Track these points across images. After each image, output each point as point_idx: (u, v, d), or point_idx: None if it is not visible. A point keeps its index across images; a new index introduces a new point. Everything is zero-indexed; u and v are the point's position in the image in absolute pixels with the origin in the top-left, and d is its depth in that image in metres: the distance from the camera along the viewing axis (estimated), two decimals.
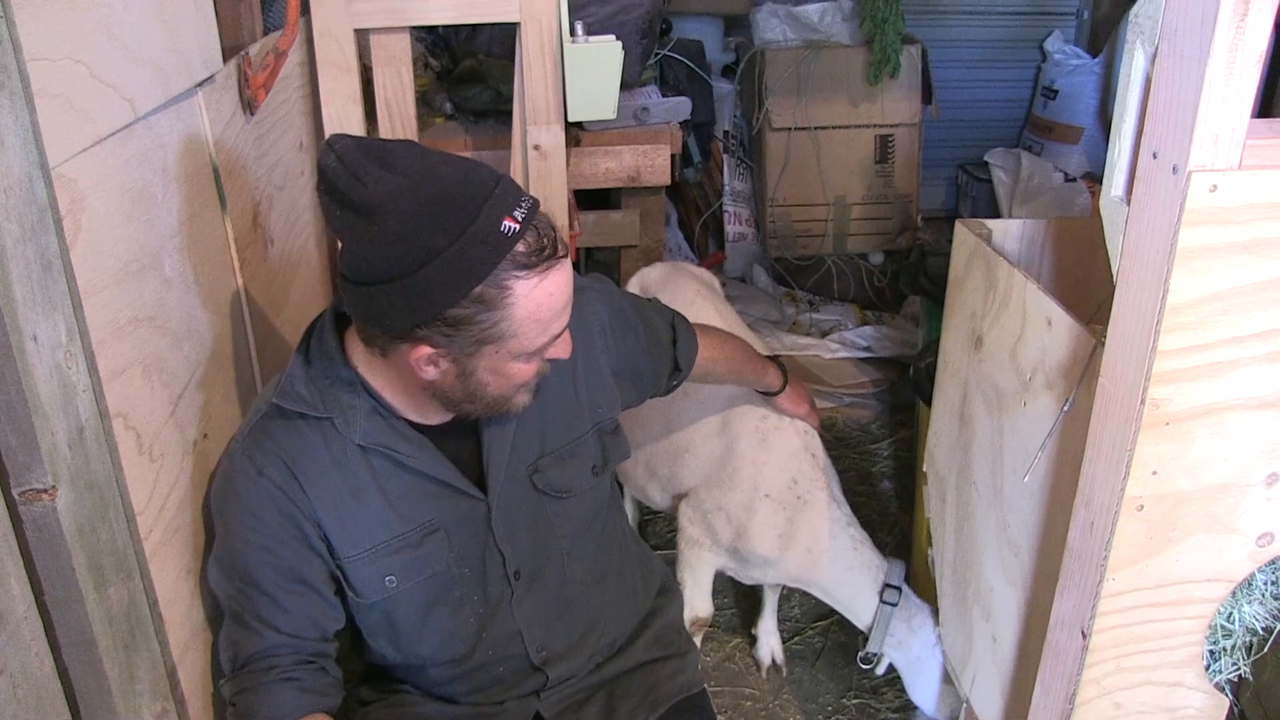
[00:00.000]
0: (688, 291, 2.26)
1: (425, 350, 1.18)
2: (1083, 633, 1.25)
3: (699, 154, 3.12)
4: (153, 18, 1.29)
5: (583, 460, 1.48)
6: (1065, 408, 1.32)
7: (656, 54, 2.78)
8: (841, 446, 3.17)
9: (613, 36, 2.12)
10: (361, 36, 2.10)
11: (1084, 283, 1.66)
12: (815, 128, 3.49)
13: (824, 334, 3.50)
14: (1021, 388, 1.46)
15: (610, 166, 2.70)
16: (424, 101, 2.73)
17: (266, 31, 1.91)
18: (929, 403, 1.92)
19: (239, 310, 1.58)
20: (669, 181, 2.76)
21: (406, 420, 1.34)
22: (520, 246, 1.13)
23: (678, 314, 1.70)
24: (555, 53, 2.12)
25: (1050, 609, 1.34)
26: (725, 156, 3.75)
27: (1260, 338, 1.08)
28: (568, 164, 2.66)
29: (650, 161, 2.71)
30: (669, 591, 1.72)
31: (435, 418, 1.36)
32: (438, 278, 1.10)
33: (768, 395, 2.00)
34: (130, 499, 1.13)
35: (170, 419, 1.30)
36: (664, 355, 1.63)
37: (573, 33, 2.12)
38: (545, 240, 1.15)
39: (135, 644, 1.13)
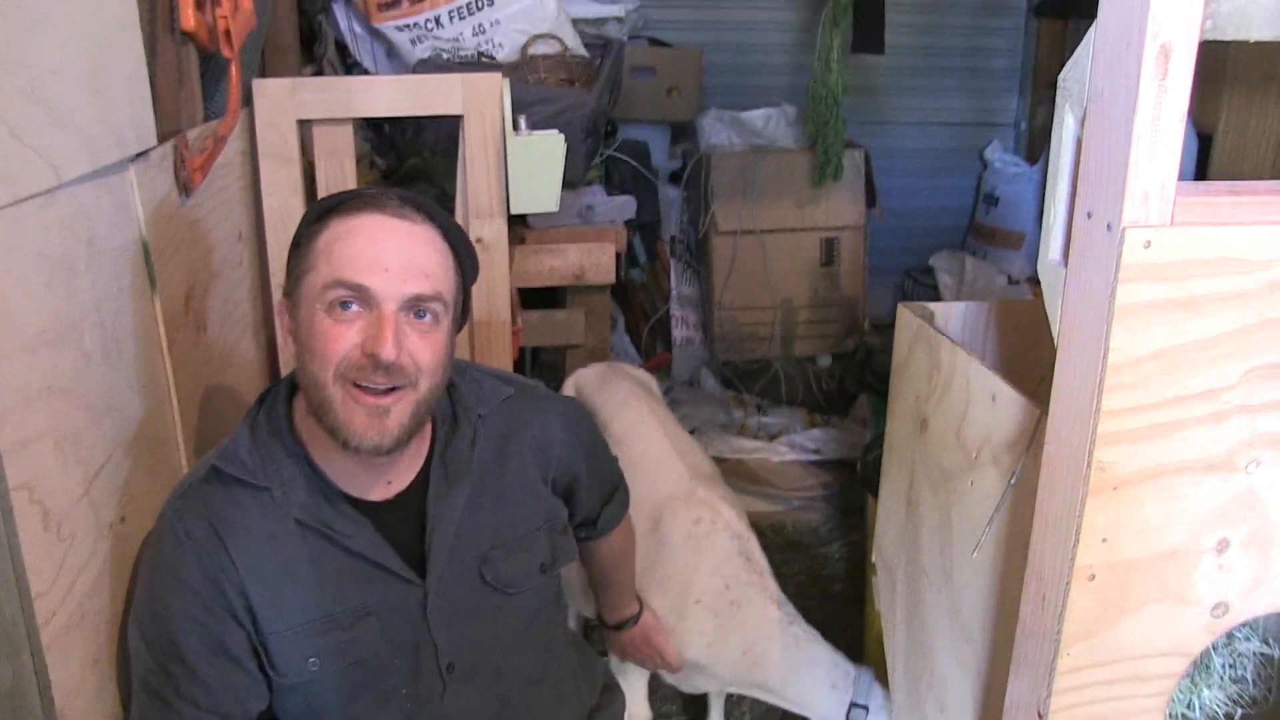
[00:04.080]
0: (621, 392, 2.23)
1: (284, 303, 1.27)
2: (1039, 714, 1.20)
3: (645, 254, 3.15)
4: (83, 87, 1.27)
5: (532, 556, 1.42)
6: (1011, 480, 1.29)
7: (601, 154, 2.82)
8: (791, 550, 3.12)
9: (555, 130, 2.14)
10: (304, 128, 2.10)
11: (1027, 363, 1.66)
12: (761, 231, 3.54)
13: (772, 437, 3.49)
14: (967, 466, 1.44)
15: (555, 265, 2.70)
16: None
17: (208, 119, 1.90)
18: (876, 495, 1.90)
19: (165, 392, 1.53)
20: (614, 280, 2.76)
21: (347, 496, 1.29)
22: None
23: (624, 486, 1.69)
24: (498, 146, 2.13)
25: (1005, 695, 1.30)
26: (672, 261, 3.79)
27: (1203, 397, 1.07)
28: (511, 261, 2.66)
29: (595, 260, 2.71)
30: (613, 689, 1.65)
31: (375, 491, 1.31)
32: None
33: (616, 628, 1.87)
34: (26, 575, 1.05)
35: (84, 497, 1.23)
36: (591, 505, 1.60)
37: (516, 127, 2.14)
38: (367, 193, 1.24)
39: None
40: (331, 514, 1.27)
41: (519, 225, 2.71)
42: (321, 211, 1.25)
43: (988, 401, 1.39)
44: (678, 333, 3.82)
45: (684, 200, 3.77)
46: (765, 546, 2.03)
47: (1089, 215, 1.05)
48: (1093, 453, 1.07)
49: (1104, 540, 1.11)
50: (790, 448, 3.38)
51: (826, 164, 3.26)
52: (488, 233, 2.19)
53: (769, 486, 3.26)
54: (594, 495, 1.58)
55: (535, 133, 2.13)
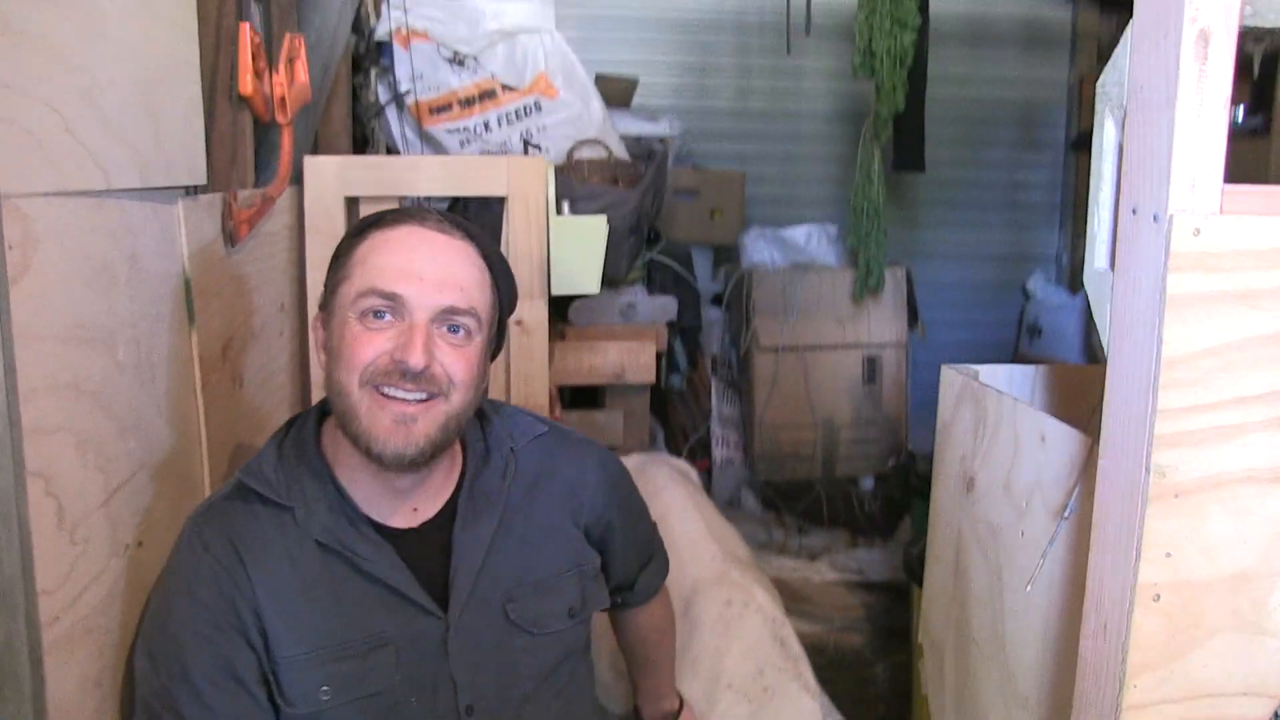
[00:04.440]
0: (660, 478, 2.18)
1: (319, 317, 1.26)
2: None
3: (685, 360, 3.13)
4: (138, 106, 1.31)
5: (560, 599, 1.35)
6: (1065, 514, 1.23)
7: (644, 257, 2.85)
8: (833, 670, 2.97)
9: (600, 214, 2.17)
10: (352, 206, 2.15)
11: (1076, 424, 1.60)
12: (803, 347, 3.53)
13: (813, 557, 3.37)
14: (1018, 517, 1.38)
15: (595, 362, 2.70)
16: None
17: (259, 186, 1.95)
18: (920, 584, 1.81)
19: (196, 431, 1.51)
20: (654, 379, 2.75)
21: (371, 521, 1.25)
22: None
23: (664, 554, 1.63)
24: (541, 228, 2.16)
25: None
26: (713, 380, 3.77)
27: (1264, 400, 1.01)
28: (552, 358, 2.66)
29: (636, 359, 2.71)
30: None
31: (400, 518, 1.27)
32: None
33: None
34: (34, 560, 1.02)
35: (102, 508, 1.20)
36: (627, 564, 1.53)
37: (559, 210, 2.17)
38: (408, 209, 1.24)
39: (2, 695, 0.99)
40: (353, 537, 1.23)
41: (560, 322, 2.72)
42: (363, 226, 1.26)
43: (1037, 444, 1.33)
44: (718, 452, 3.77)
45: (726, 320, 3.78)
46: None
47: (1134, 211, 1.03)
48: (1150, 456, 1.01)
49: (1168, 555, 1.03)
50: (832, 568, 3.27)
51: (868, 275, 3.26)
52: (529, 315, 2.20)
53: (810, 605, 3.13)
54: (630, 552, 1.51)
55: (578, 216, 2.16)
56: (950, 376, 1.61)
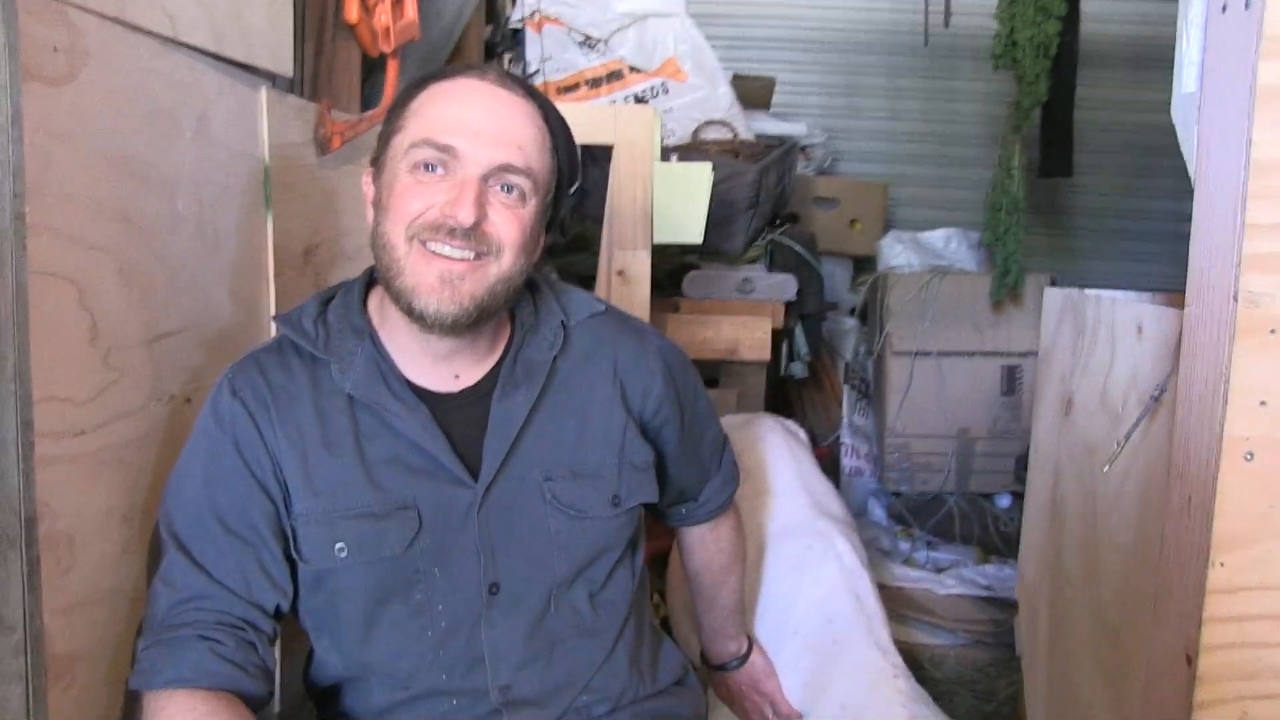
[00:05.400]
0: (762, 429, 2.07)
1: (370, 172, 1.19)
2: (1188, 659, 0.94)
3: (806, 347, 3.01)
4: None
5: (602, 484, 1.27)
6: (1155, 393, 1.08)
7: (766, 235, 2.77)
8: (956, 685, 2.77)
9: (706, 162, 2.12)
10: None
11: None
12: (938, 353, 3.35)
13: (940, 570, 3.16)
14: (1113, 426, 1.23)
15: (708, 336, 2.62)
16: None
17: None
18: None
19: (262, 315, 1.52)
20: (768, 357, 2.65)
21: (409, 383, 1.21)
22: None
23: (736, 471, 1.53)
24: (647, 177, 2.12)
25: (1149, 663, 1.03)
26: (846, 388, 3.62)
27: None
28: (664, 331, 2.61)
29: (750, 335, 2.62)
30: (689, 687, 1.43)
31: (440, 383, 1.23)
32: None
33: (719, 668, 1.66)
34: (53, 366, 1.02)
35: (145, 347, 1.21)
36: (687, 468, 1.43)
37: (665, 158, 2.13)
38: (470, 64, 1.17)
39: None
40: (386, 394, 1.20)
41: (675, 295, 2.67)
42: (422, 78, 1.23)
43: (1134, 338, 1.19)
44: (847, 461, 3.60)
45: (861, 329, 3.64)
46: (923, 680, 1.77)
47: (1224, 9, 0.90)
48: (1239, 281, 0.87)
49: (1263, 404, 0.89)
50: (959, 581, 3.05)
51: (1005, 274, 3.07)
52: (631, 265, 2.16)
53: (932, 617, 2.93)
54: (690, 455, 1.42)
55: (683, 163, 2.11)
56: (1052, 296, 1.48)
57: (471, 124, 1.14)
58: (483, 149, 1.14)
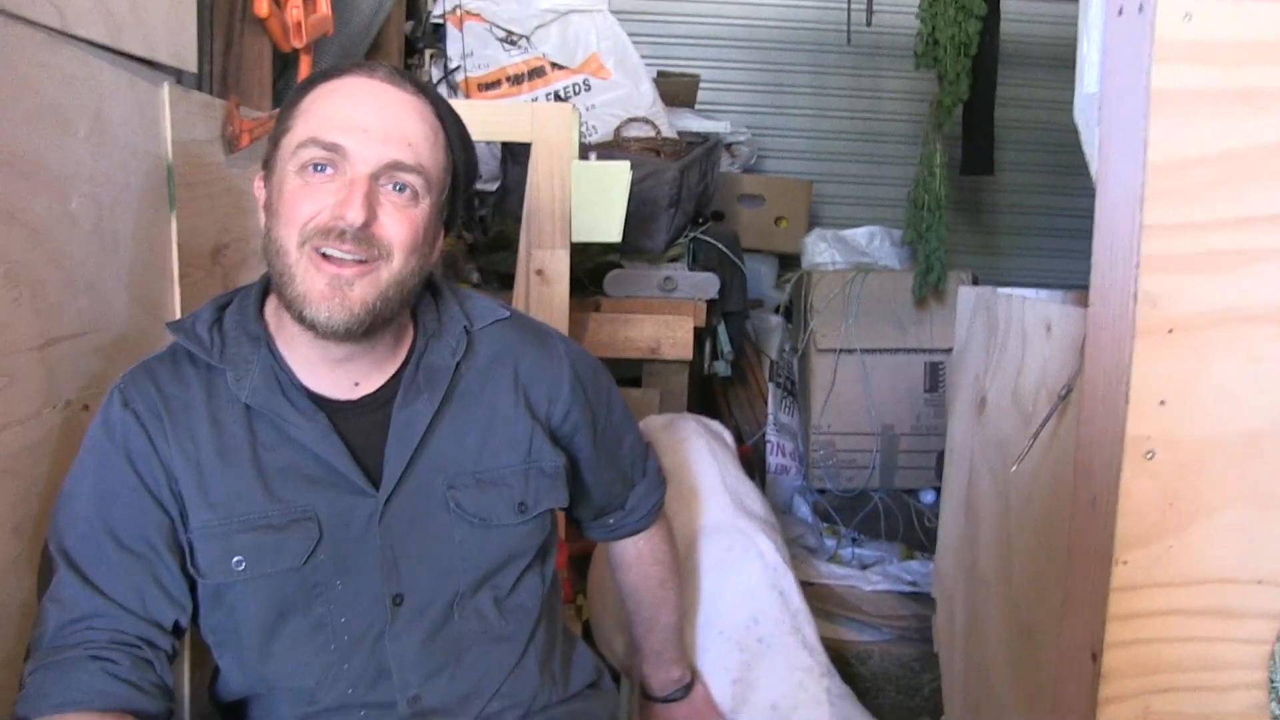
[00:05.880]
0: (685, 431, 2.06)
1: (261, 175, 1.15)
2: (1093, 656, 0.95)
3: (729, 345, 3.02)
4: None
5: (508, 492, 1.24)
6: (1063, 392, 1.09)
7: (688, 234, 2.76)
8: (881, 681, 2.79)
9: (624, 161, 2.10)
10: None
11: None
12: (862, 350, 3.38)
13: (865, 567, 3.19)
14: (1024, 424, 1.24)
15: (630, 335, 2.60)
16: (449, 266, 2.72)
17: None
18: None
19: (165, 316, 1.47)
20: (690, 356, 2.64)
21: (307, 391, 1.18)
22: None
23: (662, 479, 1.51)
24: (565, 175, 2.10)
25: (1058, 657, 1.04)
26: (771, 386, 3.64)
27: (1273, 222, 0.88)
28: (585, 330, 2.59)
29: (672, 333, 2.61)
30: (603, 690, 1.41)
31: (337, 389, 1.19)
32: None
33: (662, 701, 1.59)
34: None
35: (38, 352, 1.16)
36: (607, 479, 1.40)
37: (584, 157, 2.11)
38: (360, 61, 1.16)
39: None
40: (283, 402, 1.16)
41: (596, 294, 2.65)
42: (311, 78, 1.20)
43: (1043, 337, 1.20)
44: (773, 459, 3.62)
45: (785, 327, 3.66)
46: (848, 677, 1.77)
47: (1120, 11, 0.91)
48: (1138, 282, 0.88)
49: (1162, 403, 0.90)
50: (884, 578, 3.08)
51: (928, 272, 3.11)
52: (550, 265, 2.13)
53: (857, 614, 2.95)
54: (609, 464, 1.40)
55: (601, 161, 2.09)
56: (965, 294, 1.49)
57: (359, 121, 1.11)
58: (371, 146, 1.10)
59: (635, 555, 1.50)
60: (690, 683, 1.59)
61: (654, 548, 1.50)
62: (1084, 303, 1.52)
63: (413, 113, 1.15)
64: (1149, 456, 0.90)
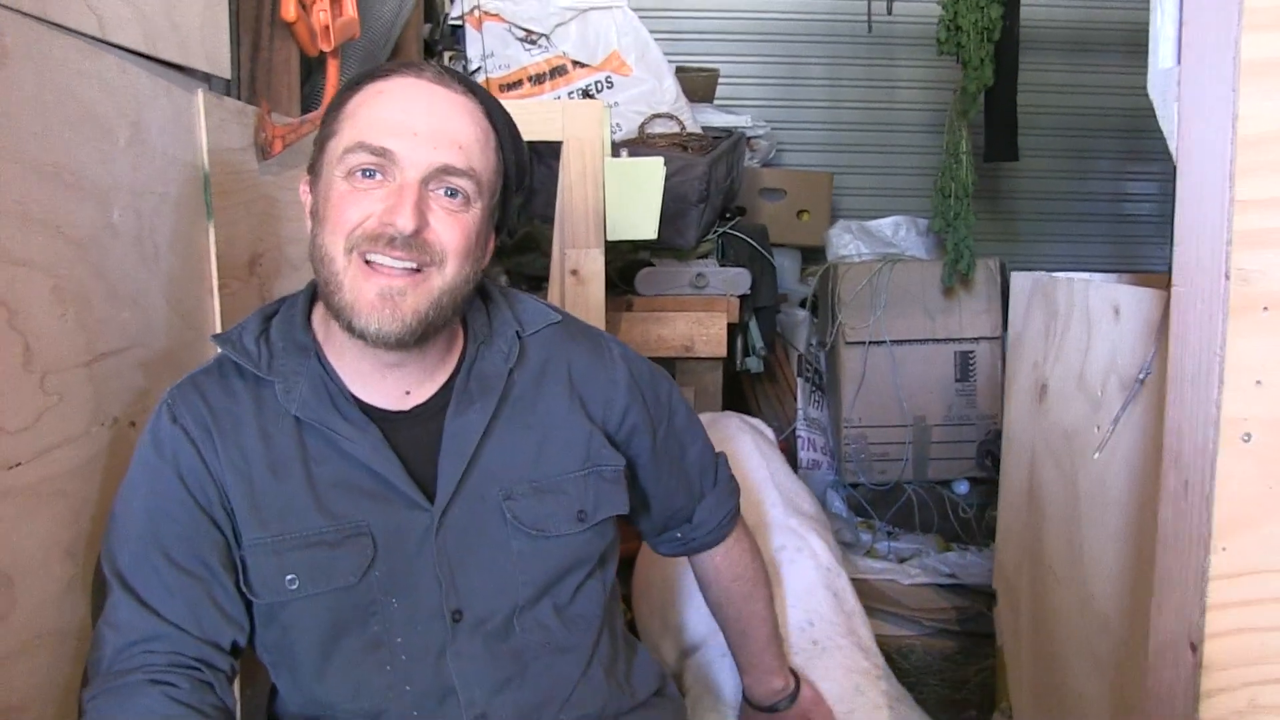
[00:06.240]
0: (729, 428, 2.04)
1: (306, 180, 1.15)
2: (1191, 645, 0.92)
3: (761, 341, 2.99)
4: None
5: (566, 500, 1.21)
6: (1141, 375, 1.06)
7: (717, 229, 2.74)
8: (924, 674, 2.75)
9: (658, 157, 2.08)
10: None
11: None
12: (891, 341, 3.35)
13: (902, 560, 3.16)
14: (1093, 410, 1.21)
15: (663, 334, 2.58)
16: None
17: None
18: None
19: (208, 328, 1.45)
20: (724, 353, 2.62)
21: (358, 401, 1.15)
22: None
23: (735, 486, 1.45)
24: (598, 174, 2.07)
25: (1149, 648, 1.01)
26: (800, 381, 3.61)
27: None
28: (618, 330, 2.56)
29: (705, 330, 2.59)
30: (669, 698, 1.38)
31: (390, 400, 1.17)
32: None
33: (768, 711, 1.53)
34: None
35: (85, 368, 1.14)
36: (670, 488, 1.35)
37: (615, 154, 2.09)
38: (407, 61, 1.12)
39: None
40: (334, 414, 1.13)
41: (628, 293, 2.62)
42: (357, 79, 1.17)
43: (1111, 321, 1.17)
44: (804, 454, 3.59)
45: (812, 321, 3.63)
46: (892, 672, 1.74)
47: None
48: (1230, 259, 0.85)
49: (1258, 383, 0.87)
50: (922, 571, 3.05)
51: (957, 260, 3.07)
52: (584, 265, 2.11)
53: (898, 608, 2.92)
54: (673, 471, 1.35)
55: (634, 158, 2.07)
56: (1020, 280, 1.46)
57: (409, 125, 1.08)
58: (421, 151, 1.07)
59: (714, 571, 1.45)
60: (795, 690, 1.52)
61: (732, 561, 1.45)
62: (1144, 285, 1.50)
63: (463, 114, 1.12)
64: (1246, 439, 0.87)
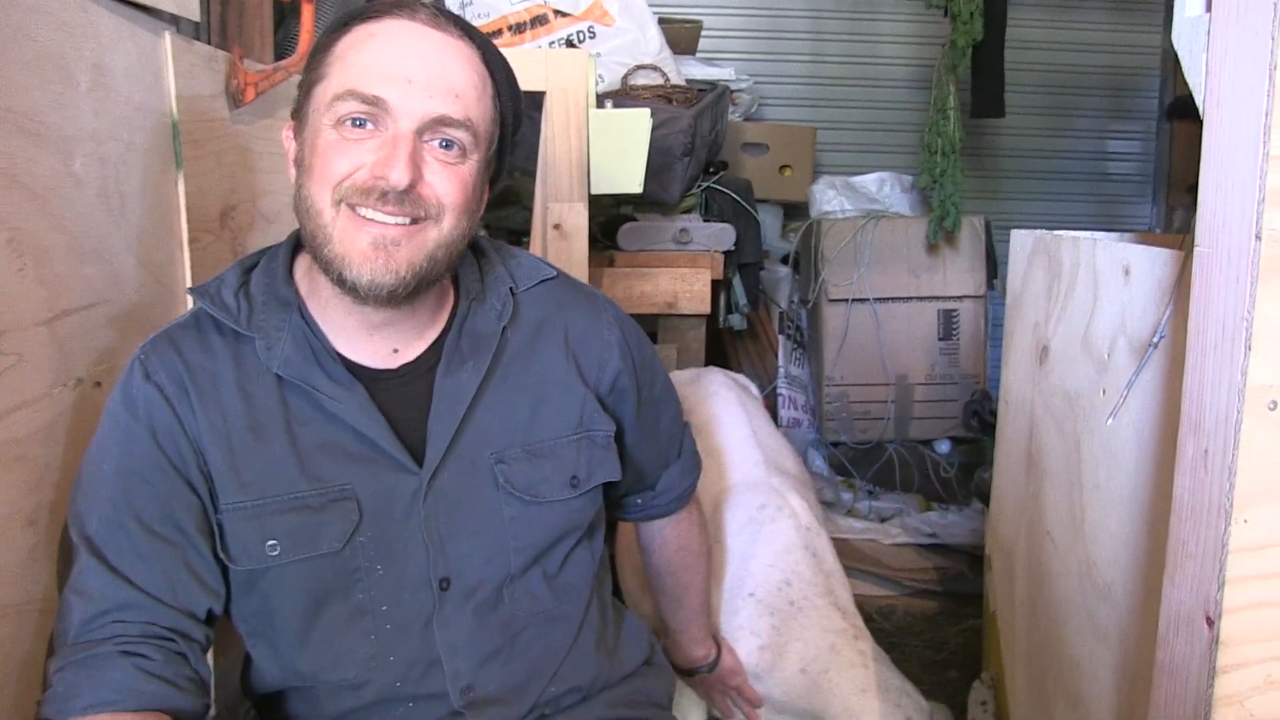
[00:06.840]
0: (713, 384, 2.00)
1: (290, 125, 1.08)
2: (1208, 619, 0.89)
3: (745, 298, 2.94)
4: None
5: (559, 465, 1.16)
6: (1155, 340, 1.02)
7: (701, 184, 2.68)
8: (904, 635, 2.75)
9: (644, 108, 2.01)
10: None
11: None
12: (874, 299, 3.31)
13: (883, 520, 3.15)
14: (1098, 374, 1.17)
15: (646, 290, 2.53)
16: None
17: None
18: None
19: (178, 284, 1.38)
20: (708, 310, 2.57)
21: (343, 359, 1.09)
22: None
23: (698, 460, 1.42)
24: (581, 125, 2.00)
25: (1161, 620, 0.98)
26: (781, 338, 3.57)
27: None
28: (600, 285, 2.51)
29: (689, 287, 2.54)
30: (657, 665, 1.35)
31: (377, 359, 1.11)
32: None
33: (690, 672, 1.58)
34: None
35: (46, 326, 1.08)
36: (644, 455, 1.32)
37: (600, 105, 2.02)
38: (404, 2, 1.05)
39: None
40: (317, 372, 1.07)
41: (610, 248, 2.57)
42: (346, 18, 1.09)
43: (1120, 281, 1.13)
44: (785, 413, 3.56)
45: (794, 278, 3.59)
46: (872, 633, 1.72)
47: None
48: (1262, 218, 0.81)
49: None
50: (904, 530, 3.04)
51: (944, 217, 3.03)
52: (568, 219, 2.04)
53: (878, 568, 2.91)
54: (647, 436, 1.31)
55: (620, 109, 2.00)
56: (1021, 239, 1.42)
57: (402, 71, 1.01)
58: (415, 99, 1.00)
59: (661, 540, 1.43)
60: (715, 659, 1.56)
61: (680, 533, 1.43)
62: (1153, 244, 1.46)
63: (460, 60, 1.05)
64: (1273, 407, 0.83)
